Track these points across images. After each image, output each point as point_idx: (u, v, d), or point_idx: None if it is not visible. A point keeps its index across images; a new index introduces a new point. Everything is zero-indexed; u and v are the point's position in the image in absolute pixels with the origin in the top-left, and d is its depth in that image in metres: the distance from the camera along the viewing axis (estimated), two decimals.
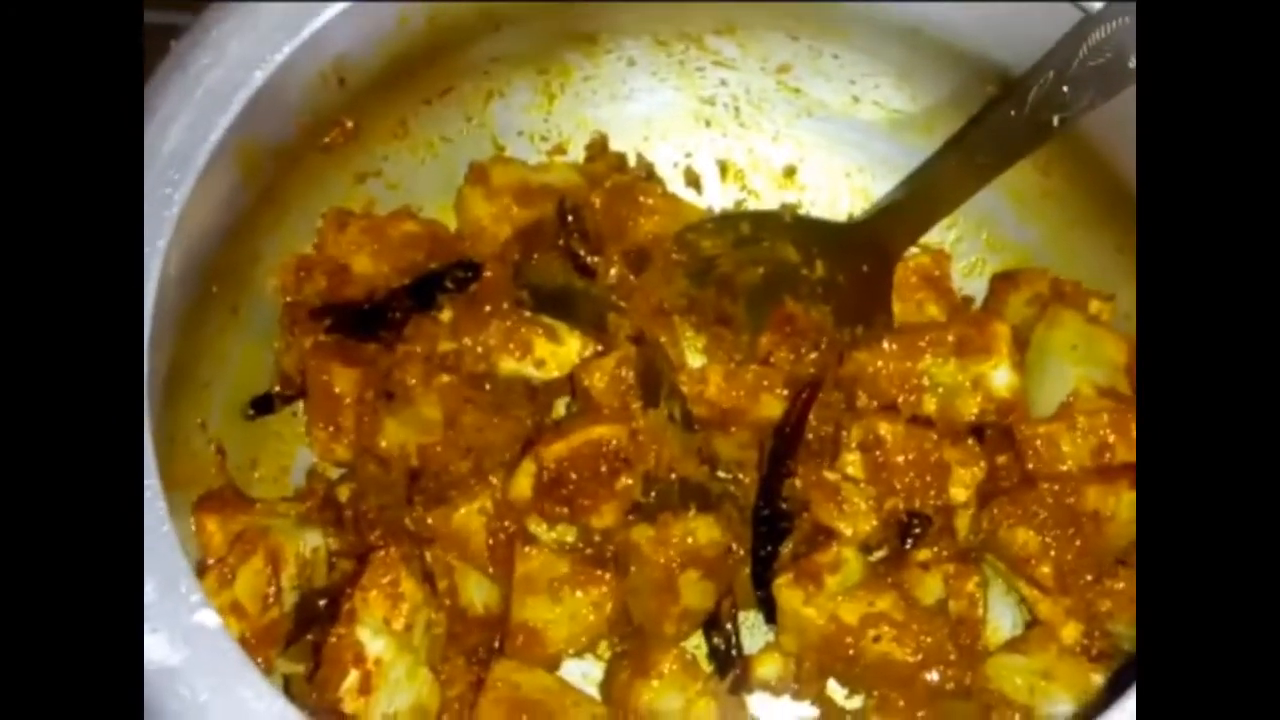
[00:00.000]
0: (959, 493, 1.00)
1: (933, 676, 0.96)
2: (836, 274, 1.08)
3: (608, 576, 1.00)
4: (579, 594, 0.99)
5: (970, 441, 1.01)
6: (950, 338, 1.02)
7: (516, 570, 0.99)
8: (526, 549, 0.99)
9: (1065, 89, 0.88)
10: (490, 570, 1.01)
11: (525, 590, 0.99)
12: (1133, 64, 0.87)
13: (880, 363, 1.01)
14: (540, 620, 0.99)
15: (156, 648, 0.69)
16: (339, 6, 0.83)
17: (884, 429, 1.00)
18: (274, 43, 0.81)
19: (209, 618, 0.71)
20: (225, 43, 0.81)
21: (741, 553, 1.03)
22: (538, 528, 1.02)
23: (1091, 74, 0.90)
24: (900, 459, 1.00)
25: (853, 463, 1.01)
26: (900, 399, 1.02)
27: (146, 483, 0.73)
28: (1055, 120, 0.91)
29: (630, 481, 1.00)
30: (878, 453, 1.00)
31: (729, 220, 1.12)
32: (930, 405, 1.02)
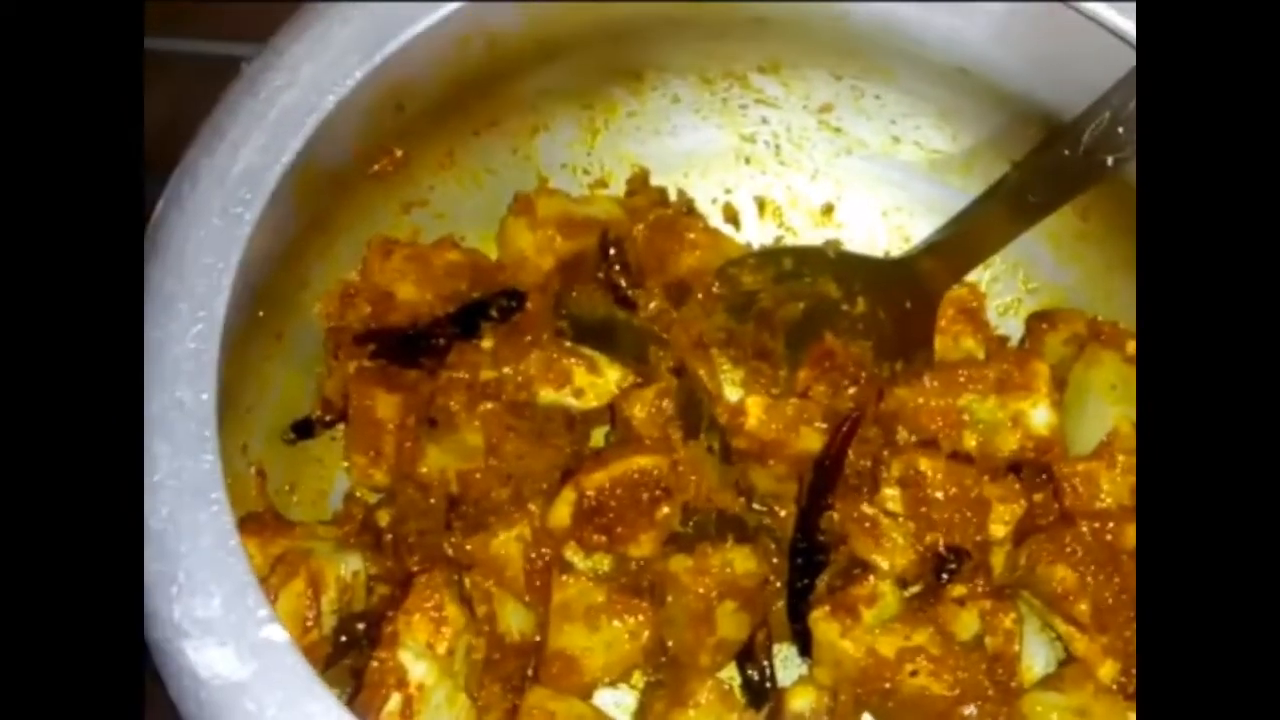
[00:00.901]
0: (998, 529, 1.00)
1: (969, 712, 0.96)
2: (878, 310, 1.08)
3: (644, 605, 1.00)
4: (616, 623, 0.99)
5: (1010, 478, 1.01)
6: (990, 375, 1.02)
7: (554, 598, 0.99)
8: (564, 577, 0.99)
9: (1120, 130, 0.89)
10: (527, 598, 1.01)
11: (562, 618, 0.99)
12: None
13: (921, 399, 1.02)
14: (576, 648, 0.99)
15: (224, 662, 0.69)
16: (411, 31, 0.84)
17: (924, 464, 1.00)
18: (346, 67, 0.82)
19: (277, 633, 0.71)
20: (299, 66, 0.82)
21: (778, 584, 1.04)
22: (574, 556, 1.03)
23: None
24: (940, 494, 1.00)
25: (892, 497, 1.01)
26: (940, 435, 1.02)
27: (212, 497, 0.73)
28: (1110, 161, 0.91)
29: (669, 511, 1.01)
30: (918, 488, 1.00)
31: (771, 255, 1.13)
32: (970, 441, 1.02)
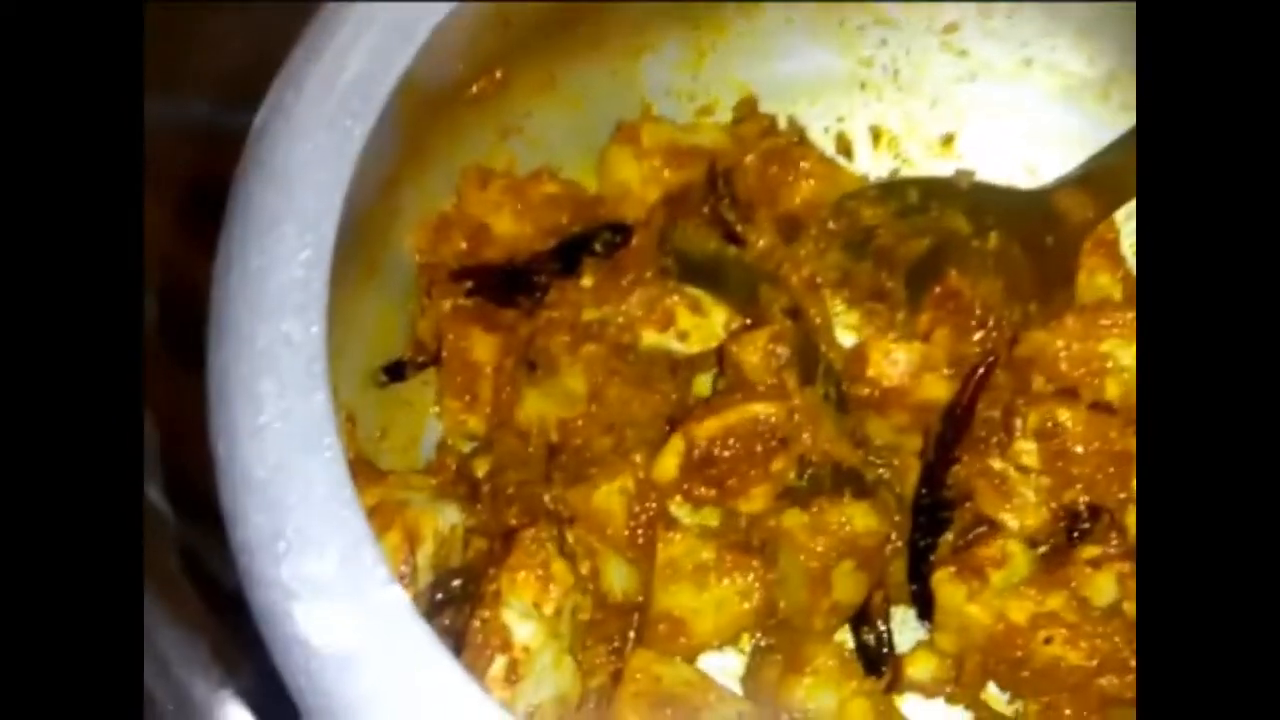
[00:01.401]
0: None
1: (1108, 682, 0.90)
2: (1012, 246, 1.00)
3: (756, 564, 0.94)
4: (725, 582, 0.93)
5: None
6: (1134, 317, 0.95)
7: (659, 556, 0.93)
8: (670, 533, 0.94)
9: None
10: (630, 554, 0.95)
11: (669, 577, 0.93)
12: None
13: (1061, 343, 0.95)
14: (684, 609, 0.93)
15: (339, 628, 0.62)
16: None
17: (1064, 415, 0.94)
18: None
19: (398, 595, 0.64)
20: None
21: (900, 543, 0.98)
22: (679, 510, 0.97)
23: None
24: (1080, 448, 0.94)
25: (1028, 451, 0.95)
26: (1081, 383, 0.96)
27: (325, 442, 0.66)
28: None
29: (784, 464, 0.95)
30: (1056, 440, 0.94)
31: (894, 187, 1.05)
32: (1114, 390, 0.95)
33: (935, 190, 1.04)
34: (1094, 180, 1.01)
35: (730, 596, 0.93)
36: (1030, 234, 1.00)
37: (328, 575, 0.63)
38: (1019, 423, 0.95)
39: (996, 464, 0.96)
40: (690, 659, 0.95)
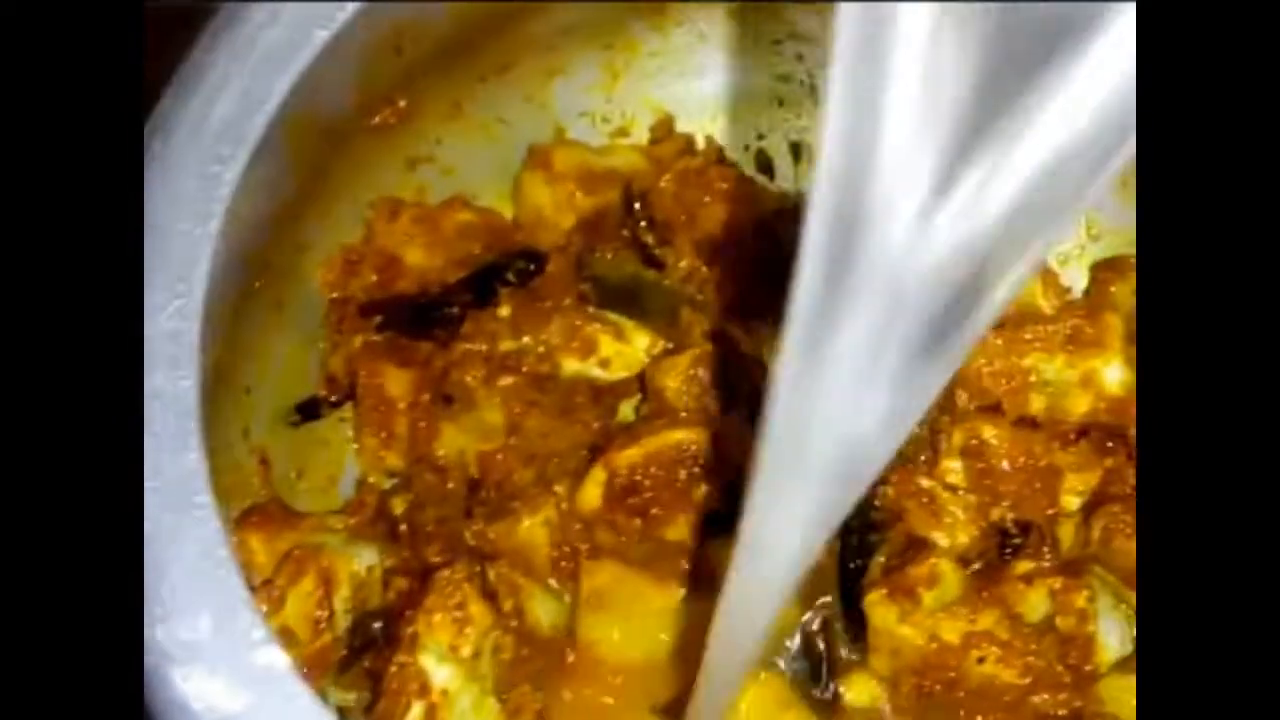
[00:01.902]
0: (1070, 500, 0.94)
1: (1042, 699, 0.89)
2: None
3: (681, 593, 0.92)
4: (650, 610, 0.92)
5: (1082, 444, 0.94)
6: (1058, 331, 0.95)
7: (583, 586, 0.92)
8: (593, 563, 0.92)
9: None
10: (553, 582, 0.94)
11: (594, 607, 0.92)
12: None
13: (984, 359, 0.94)
14: (607, 639, 0.91)
15: (214, 693, 0.60)
16: None
17: (988, 432, 0.93)
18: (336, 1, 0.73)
19: (275, 657, 0.62)
20: (282, 2, 0.72)
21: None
22: (605, 539, 0.95)
23: None
24: (1006, 464, 0.93)
25: (954, 469, 0.94)
26: (1004, 399, 0.95)
27: (197, 500, 0.64)
28: None
29: (708, 489, 0.93)
30: (981, 458, 0.93)
31: None
32: (1038, 405, 0.95)
33: None
34: None
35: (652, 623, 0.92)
36: None
37: (203, 638, 0.62)
38: (944, 441, 0.95)
39: (925, 483, 0.95)
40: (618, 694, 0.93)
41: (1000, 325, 0.96)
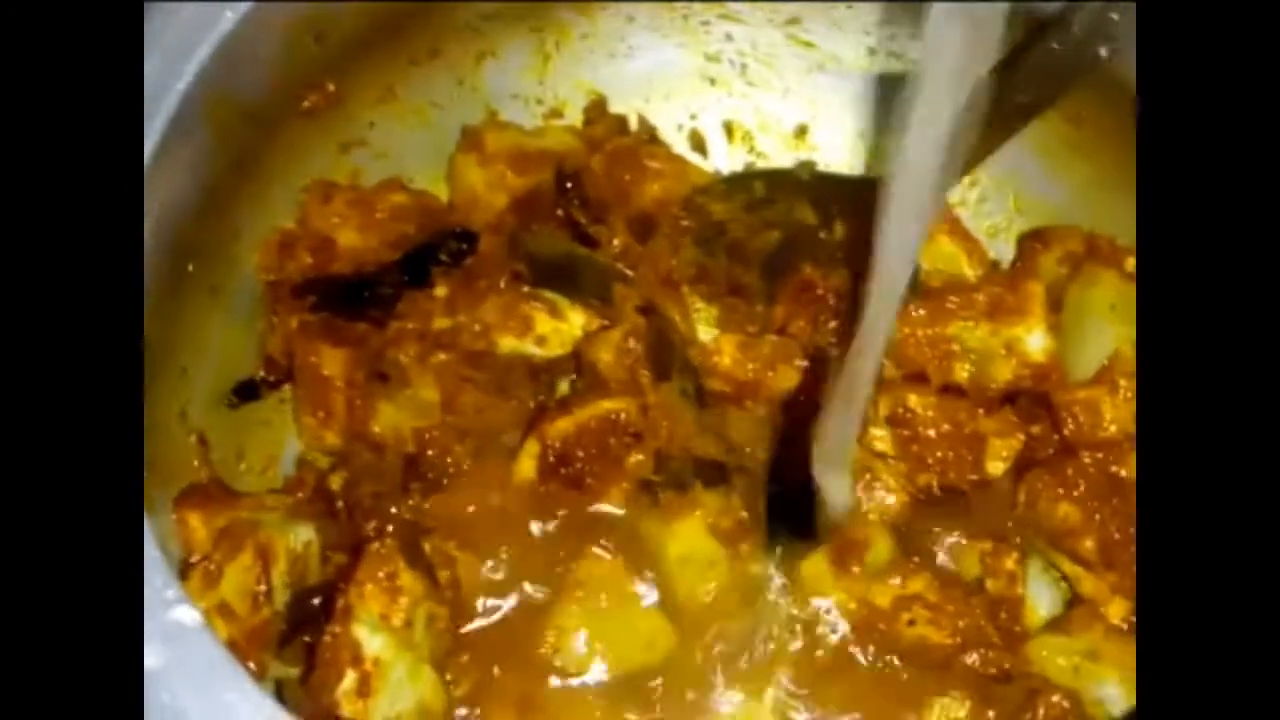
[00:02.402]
0: (996, 466, 0.94)
1: (972, 660, 0.91)
2: (860, 235, 1.01)
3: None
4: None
5: (1006, 410, 0.95)
6: (981, 299, 0.96)
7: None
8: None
9: (1115, 16, 0.81)
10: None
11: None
12: None
13: (908, 329, 0.95)
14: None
15: None
16: None
17: (914, 400, 0.94)
18: None
19: (188, 615, 0.64)
20: None
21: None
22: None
23: None
24: (932, 432, 0.94)
25: (881, 438, 0.95)
26: (929, 367, 0.96)
27: None
28: (1104, 52, 0.84)
29: (641, 458, 0.94)
30: (907, 426, 0.94)
31: (741, 181, 1.06)
32: (962, 373, 0.96)
33: (780, 182, 1.04)
34: None
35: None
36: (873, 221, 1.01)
37: None
38: (871, 409, 0.95)
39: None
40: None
41: (924, 295, 0.98)
